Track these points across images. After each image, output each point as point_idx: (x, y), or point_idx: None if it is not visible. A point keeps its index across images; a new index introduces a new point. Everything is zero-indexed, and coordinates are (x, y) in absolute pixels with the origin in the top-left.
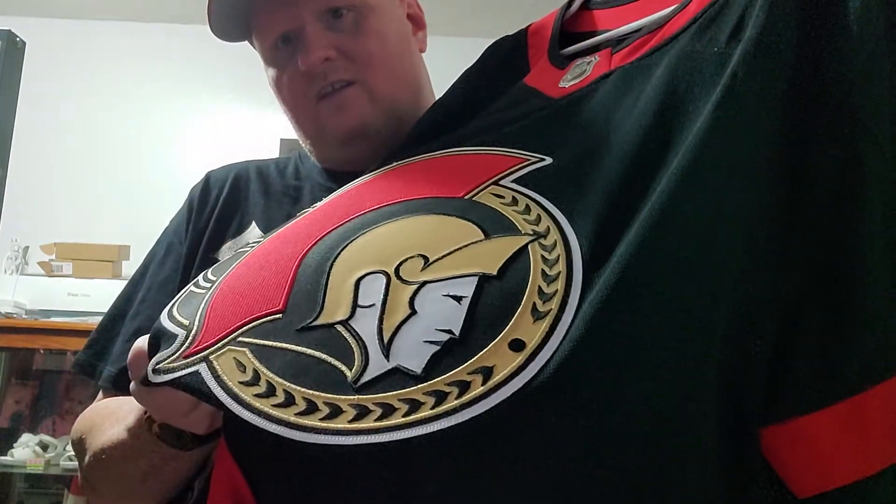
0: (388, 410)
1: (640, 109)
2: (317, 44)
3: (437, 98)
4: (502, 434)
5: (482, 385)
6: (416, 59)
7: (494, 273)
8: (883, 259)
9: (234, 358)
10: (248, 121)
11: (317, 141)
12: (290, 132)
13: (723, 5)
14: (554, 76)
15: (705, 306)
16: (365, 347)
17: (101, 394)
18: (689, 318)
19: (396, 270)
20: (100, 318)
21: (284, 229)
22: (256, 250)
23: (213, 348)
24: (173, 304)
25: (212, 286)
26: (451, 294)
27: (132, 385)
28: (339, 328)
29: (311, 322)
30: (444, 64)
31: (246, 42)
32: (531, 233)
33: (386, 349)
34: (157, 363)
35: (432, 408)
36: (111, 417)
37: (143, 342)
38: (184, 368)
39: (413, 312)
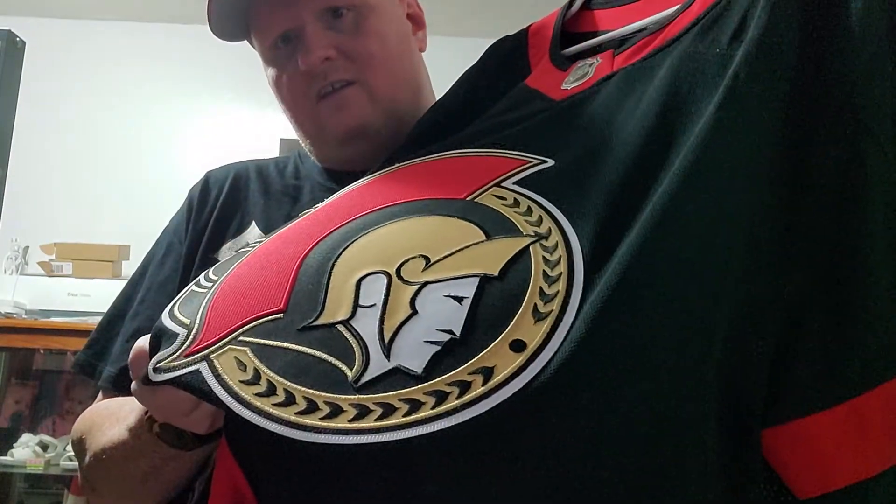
0: (389, 410)
1: (642, 111)
2: (317, 43)
3: (437, 98)
4: (502, 434)
5: (483, 385)
6: (416, 59)
7: (496, 274)
8: (884, 260)
9: (235, 357)
10: (248, 121)
11: (316, 141)
12: (290, 132)
13: (725, 6)
14: (556, 78)
15: (706, 307)
16: (366, 347)
17: (100, 394)
18: (690, 319)
19: (398, 271)
20: (100, 318)
21: (286, 229)
22: (258, 250)
23: (213, 347)
24: (174, 304)
25: (213, 285)
26: (452, 294)
27: (133, 384)
28: (340, 328)
29: (312, 322)
30: (445, 64)
31: (246, 42)
32: (533, 234)
33: (387, 349)
34: (158, 362)
35: (433, 408)
36: (111, 418)
37: (144, 342)
38: (185, 367)
39: (414, 313)
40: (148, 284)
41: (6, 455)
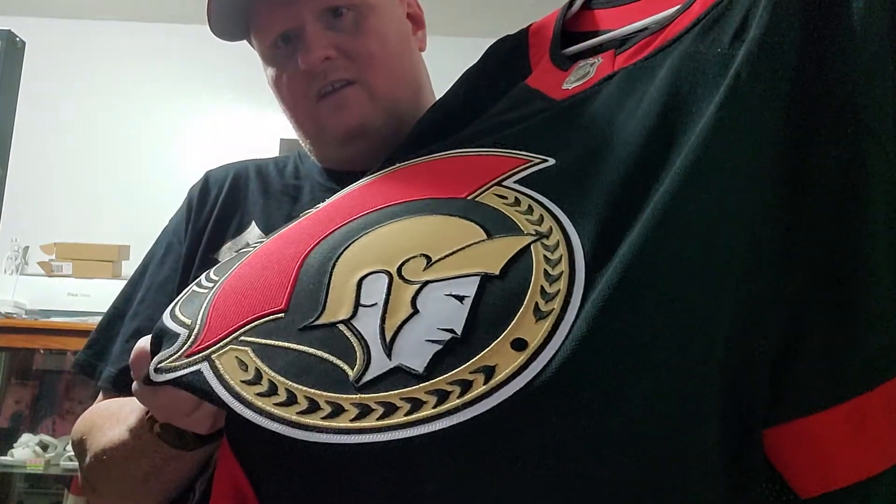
0: (390, 409)
1: (644, 110)
2: (317, 43)
3: (437, 98)
4: (504, 433)
5: (484, 384)
6: (416, 59)
7: (497, 273)
8: (886, 259)
9: (237, 357)
10: (248, 121)
11: (316, 140)
12: (290, 132)
13: (726, 6)
14: (557, 77)
15: (707, 306)
16: (367, 346)
17: (101, 394)
18: (692, 318)
19: (399, 270)
20: (100, 318)
21: (287, 229)
22: (259, 250)
23: (215, 347)
24: (175, 304)
25: (214, 286)
26: (453, 293)
27: (134, 385)
28: (342, 327)
29: (313, 321)
30: (445, 64)
31: (245, 42)
32: (534, 233)
33: (388, 348)
34: (159, 362)
35: (434, 407)
36: (112, 418)
37: (145, 342)
38: (186, 367)
39: (415, 312)
40: (148, 284)
41: (6, 455)
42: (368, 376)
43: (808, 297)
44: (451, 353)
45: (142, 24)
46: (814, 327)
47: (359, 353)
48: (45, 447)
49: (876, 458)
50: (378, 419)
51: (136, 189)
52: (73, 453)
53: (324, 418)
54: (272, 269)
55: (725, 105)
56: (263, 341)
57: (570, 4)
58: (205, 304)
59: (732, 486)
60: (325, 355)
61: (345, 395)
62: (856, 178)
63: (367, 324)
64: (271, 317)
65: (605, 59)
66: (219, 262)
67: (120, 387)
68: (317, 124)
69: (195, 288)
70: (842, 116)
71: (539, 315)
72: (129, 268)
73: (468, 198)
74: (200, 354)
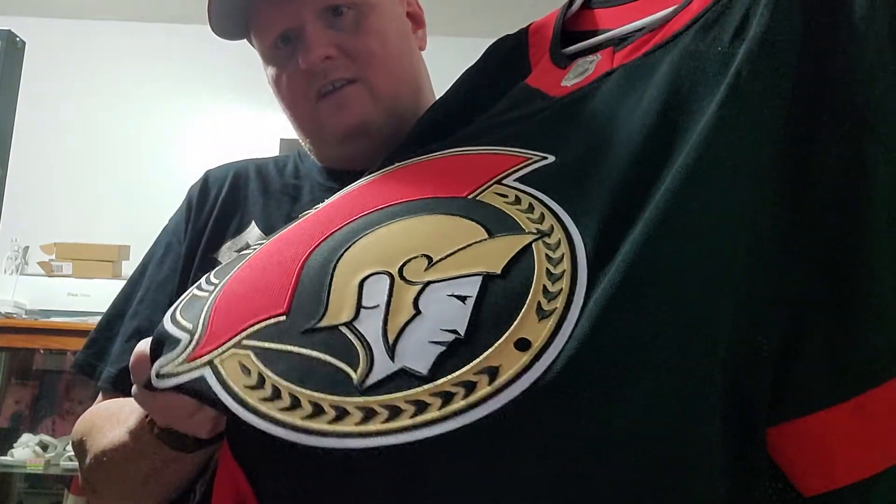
0: (395, 412)
1: (644, 108)
2: (317, 42)
3: (437, 97)
4: (509, 434)
5: (488, 385)
6: (416, 58)
7: (499, 272)
8: (887, 258)
9: (239, 362)
10: (248, 121)
11: (316, 139)
12: (290, 132)
13: (726, 5)
14: (556, 76)
15: (709, 306)
16: (370, 349)
17: (100, 394)
18: (694, 317)
19: (400, 271)
20: (99, 318)
21: (287, 231)
22: (259, 252)
23: (217, 352)
24: (176, 308)
25: (214, 289)
26: (455, 294)
27: (134, 388)
28: (344, 330)
29: (315, 324)
30: (445, 64)
31: (246, 42)
32: (535, 231)
33: (391, 350)
34: (161, 367)
35: (439, 409)
36: (112, 419)
37: (144, 345)
38: (188, 373)
39: (417, 313)
40: (147, 284)
41: (6, 455)
42: (372, 379)
43: (809, 296)
44: (454, 354)
45: (142, 24)
46: (815, 326)
47: (362, 356)
48: (45, 447)
49: (878, 457)
50: (383, 422)
51: (136, 189)
52: (73, 453)
53: (329, 422)
54: (273, 272)
55: (726, 104)
56: (266, 345)
57: (570, 4)
58: (205, 308)
59: (735, 485)
60: (329, 358)
61: (349, 399)
62: (857, 176)
63: (370, 326)
64: (273, 320)
65: (604, 56)
66: (218, 261)
67: (120, 387)
68: (317, 123)
69: (195, 291)
70: (843, 115)
71: (542, 314)
72: (129, 268)
73: (468, 197)
74: (203, 360)
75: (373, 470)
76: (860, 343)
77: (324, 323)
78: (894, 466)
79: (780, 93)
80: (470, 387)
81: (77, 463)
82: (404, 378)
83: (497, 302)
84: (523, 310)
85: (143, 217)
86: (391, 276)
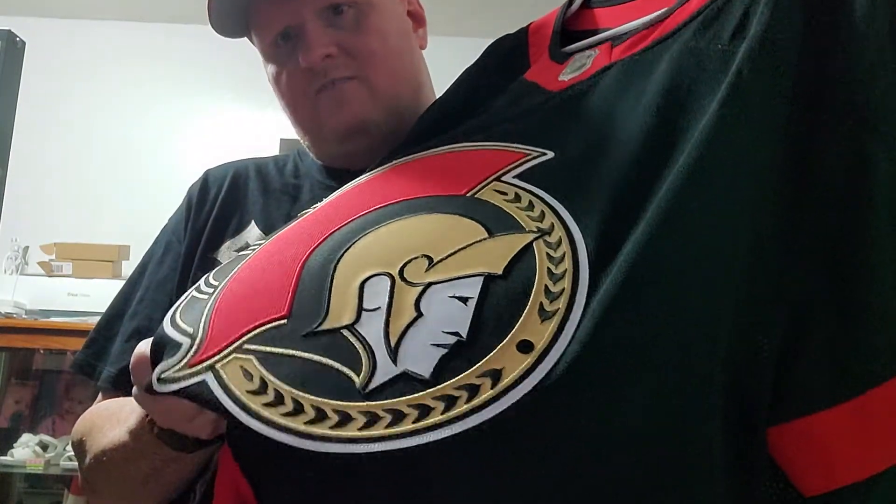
0: (399, 417)
1: (644, 106)
2: (318, 41)
3: (437, 97)
4: (513, 437)
5: (491, 388)
6: (417, 56)
7: (500, 272)
8: (889, 257)
9: (241, 366)
10: (248, 121)
11: (316, 138)
12: (290, 132)
13: (726, 2)
14: (554, 70)
15: (710, 305)
16: (372, 352)
17: (100, 394)
18: (694, 317)
19: (401, 272)
20: (99, 318)
21: (286, 231)
22: (258, 253)
23: (218, 357)
24: (175, 310)
25: (214, 291)
26: (456, 295)
27: (134, 390)
28: (346, 333)
29: (316, 327)
30: (445, 64)
31: (246, 42)
32: (535, 230)
33: (393, 353)
34: (162, 372)
35: (442, 413)
36: (112, 419)
37: (145, 347)
38: (190, 378)
39: (419, 315)
40: (147, 283)
41: (6, 455)
42: (375, 383)
43: (810, 295)
44: (457, 356)
45: (142, 24)
46: (816, 326)
47: (364, 360)
48: (45, 447)
49: (878, 457)
50: (387, 427)
51: (136, 189)
52: (73, 453)
53: (332, 427)
54: (273, 273)
55: (727, 102)
56: (267, 349)
57: (570, 3)
58: (206, 311)
59: (735, 484)
60: (331, 362)
61: (352, 403)
62: (858, 175)
63: (372, 329)
64: (274, 323)
65: (602, 51)
66: (218, 261)
67: (119, 386)
68: (317, 121)
69: (195, 293)
70: (844, 114)
71: (544, 315)
72: (129, 268)
73: (468, 194)
74: (204, 364)
75: (376, 475)
76: (861, 343)
77: (325, 326)
78: (895, 466)
79: (780, 91)
80: (473, 390)
81: (77, 463)
82: (407, 382)
83: (498, 303)
84: (525, 311)
85: (143, 217)
86: (392, 277)
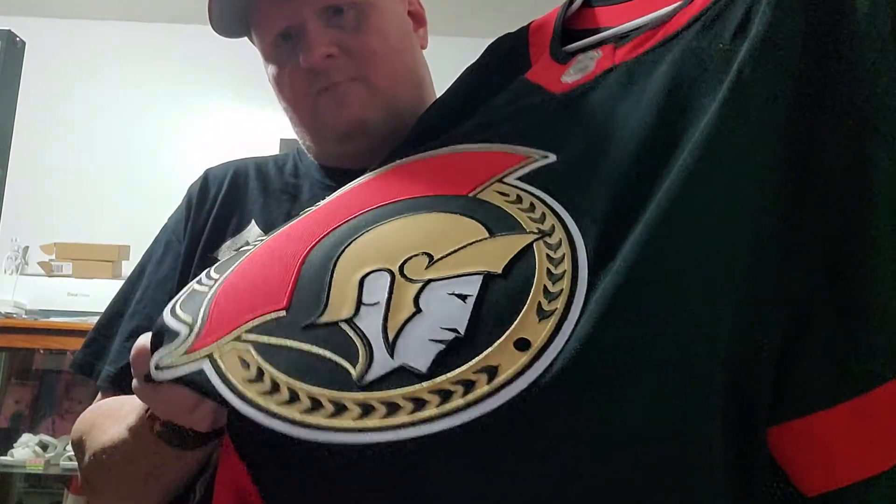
0: (394, 409)
1: (645, 107)
2: (318, 41)
3: (438, 96)
4: (506, 434)
5: (487, 384)
6: (417, 56)
7: (499, 272)
8: (890, 258)
9: (238, 355)
10: (248, 121)
11: (316, 137)
12: (290, 132)
13: (728, 2)
14: (556, 71)
15: (710, 305)
16: (370, 345)
17: (100, 394)
18: (694, 317)
19: (401, 268)
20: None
21: (288, 227)
22: (260, 248)
23: (216, 345)
24: (176, 302)
25: (215, 283)
26: (456, 292)
27: (134, 382)
28: (344, 326)
29: (315, 320)
30: (445, 63)
31: (246, 42)
32: (536, 231)
33: (391, 347)
34: (160, 359)
35: (437, 406)
36: (111, 417)
37: (145, 339)
38: (187, 365)
39: (418, 311)
40: (146, 283)
41: (6, 455)
42: (371, 375)
43: (810, 295)
44: (454, 352)
45: (142, 24)
46: (817, 326)
47: (361, 353)
48: (45, 447)
49: (878, 458)
50: (381, 418)
51: (136, 189)
52: (73, 453)
53: (327, 417)
54: (273, 267)
55: (728, 102)
56: (265, 339)
57: (571, 2)
58: (205, 302)
59: (736, 484)
60: (328, 354)
61: (348, 394)
62: (858, 175)
63: (370, 323)
64: (273, 315)
65: (605, 53)
66: (218, 260)
67: (119, 386)
68: (317, 121)
69: (195, 286)
70: (845, 113)
71: (542, 315)
72: (129, 268)
73: (469, 195)
74: (202, 352)
75: (370, 465)
76: (861, 343)
77: (324, 319)
78: (895, 467)
79: (781, 91)
80: (469, 385)
81: (77, 462)
82: (403, 375)
83: (497, 301)
84: (523, 310)
85: (143, 217)
86: (392, 273)
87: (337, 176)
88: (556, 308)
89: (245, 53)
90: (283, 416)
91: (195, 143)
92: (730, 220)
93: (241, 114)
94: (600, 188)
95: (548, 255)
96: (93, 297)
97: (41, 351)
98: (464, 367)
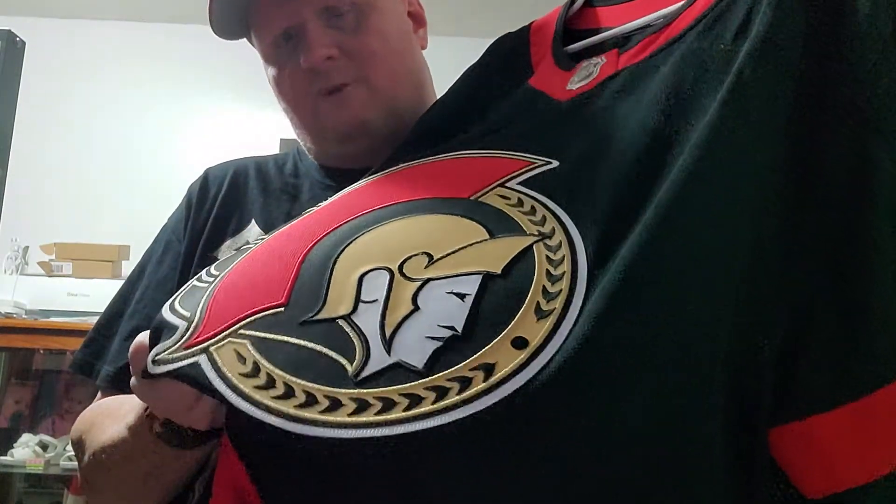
0: (389, 405)
1: (645, 108)
2: (318, 42)
3: (438, 96)
4: (503, 431)
5: (483, 382)
6: (418, 57)
7: (499, 272)
8: (891, 259)
9: (235, 350)
10: (248, 121)
11: (316, 138)
12: (290, 132)
13: (729, 3)
14: (561, 78)
15: (710, 306)
16: (366, 342)
17: (99, 393)
18: (694, 318)
19: (400, 267)
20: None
21: (288, 227)
22: (260, 247)
23: (213, 340)
24: (175, 298)
25: (214, 280)
26: (454, 291)
27: (133, 380)
28: (341, 322)
29: (313, 316)
30: (445, 64)
31: (246, 42)
32: (536, 233)
33: (388, 344)
34: (157, 354)
35: (433, 403)
36: (111, 417)
37: (144, 336)
38: (183, 359)
39: (416, 308)
40: (146, 283)
41: (6, 455)
42: (367, 371)
43: (811, 296)
44: (450, 350)
45: (142, 24)
46: (818, 328)
47: (358, 349)
48: (44, 447)
49: (880, 461)
50: (376, 414)
51: (136, 189)
52: (72, 453)
53: (322, 412)
54: (273, 265)
55: (728, 102)
56: (262, 335)
57: (572, 2)
58: (204, 298)
59: (736, 484)
60: (325, 350)
61: (343, 390)
62: (860, 176)
63: (368, 320)
64: (271, 311)
65: (609, 59)
66: (218, 260)
67: (118, 385)
68: (317, 122)
69: (195, 283)
70: (846, 114)
71: (540, 314)
72: (129, 268)
73: (471, 198)
74: (199, 346)
75: (365, 461)
76: (862, 345)
77: (322, 315)
78: None
79: (782, 92)
80: (465, 382)
81: (76, 462)
82: (399, 371)
83: (496, 301)
84: (522, 309)
85: (143, 217)
86: (391, 271)
87: (337, 176)
88: (555, 308)
89: (245, 54)
90: (277, 410)
91: (195, 143)
92: (730, 221)
93: (241, 114)
94: (601, 190)
95: (548, 257)
96: (93, 297)
97: (41, 351)
98: (460, 365)
